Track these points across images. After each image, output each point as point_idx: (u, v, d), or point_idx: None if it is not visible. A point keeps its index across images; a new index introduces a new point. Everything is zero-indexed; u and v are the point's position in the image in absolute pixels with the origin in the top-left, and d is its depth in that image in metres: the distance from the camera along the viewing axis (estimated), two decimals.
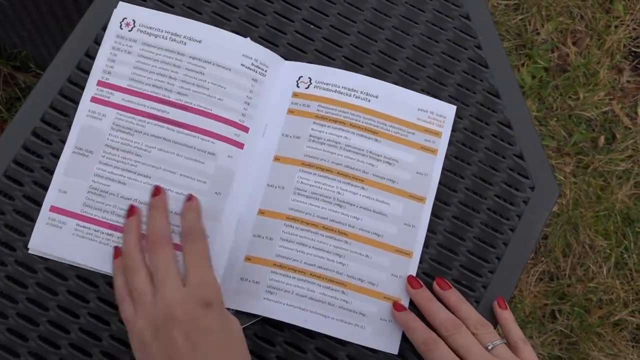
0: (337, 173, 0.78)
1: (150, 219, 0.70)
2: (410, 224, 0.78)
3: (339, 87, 0.81)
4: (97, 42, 0.79)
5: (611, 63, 1.97)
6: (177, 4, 0.82)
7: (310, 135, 0.79)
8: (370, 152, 0.79)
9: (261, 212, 0.77)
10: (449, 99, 0.83)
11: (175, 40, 0.79)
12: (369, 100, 0.80)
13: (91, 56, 0.79)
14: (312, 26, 0.84)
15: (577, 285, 1.77)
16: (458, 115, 0.82)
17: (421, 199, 0.78)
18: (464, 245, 0.79)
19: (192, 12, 0.82)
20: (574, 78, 1.93)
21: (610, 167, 1.87)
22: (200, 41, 0.79)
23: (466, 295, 0.77)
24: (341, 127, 0.79)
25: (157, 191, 0.71)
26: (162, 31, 0.80)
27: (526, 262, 0.80)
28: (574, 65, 1.94)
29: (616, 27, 1.99)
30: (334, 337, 0.75)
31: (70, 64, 0.79)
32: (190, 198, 0.71)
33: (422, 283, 0.75)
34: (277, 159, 0.78)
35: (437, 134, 0.81)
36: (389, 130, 0.80)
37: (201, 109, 0.77)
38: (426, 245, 0.78)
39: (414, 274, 0.77)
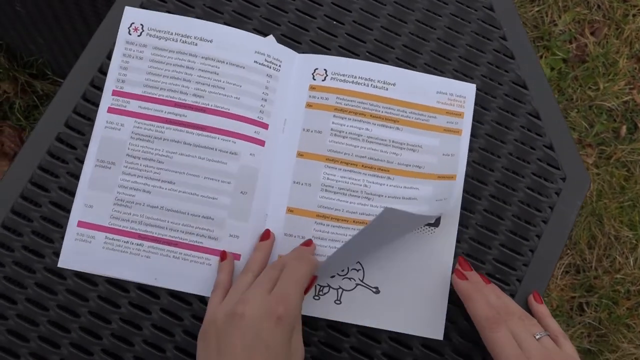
0: (362, 166, 0.77)
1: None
2: (442, 198, 0.76)
3: (355, 77, 0.80)
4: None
5: (630, 52, 1.95)
6: (197, 4, 0.81)
7: (332, 129, 0.78)
8: (393, 141, 0.78)
9: (290, 210, 0.76)
10: (476, 92, 0.81)
11: (186, 42, 0.79)
12: (387, 89, 0.80)
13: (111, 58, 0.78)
14: (334, 22, 0.83)
15: (603, 277, 1.75)
16: (485, 107, 0.81)
17: (451, 177, 0.77)
18: (496, 238, 0.78)
19: (213, 12, 0.81)
20: (593, 68, 1.91)
21: (633, 156, 1.85)
22: (211, 41, 0.79)
23: (501, 289, 0.75)
24: (361, 119, 0.78)
25: (266, 235, 0.75)
26: (172, 33, 0.79)
27: (560, 254, 0.78)
28: (593, 55, 1.92)
29: (634, 15, 1.97)
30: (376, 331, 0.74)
31: (92, 68, 0.78)
32: (308, 243, 0.74)
33: (468, 275, 0.74)
34: (300, 154, 0.77)
35: (459, 115, 0.80)
36: (410, 117, 0.79)
37: (219, 109, 0.77)
38: (459, 239, 0.77)
39: (452, 254, 0.76)
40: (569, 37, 1.93)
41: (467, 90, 0.81)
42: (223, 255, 0.73)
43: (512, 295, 0.76)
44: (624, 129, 1.88)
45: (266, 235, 0.74)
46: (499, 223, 0.78)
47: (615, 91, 1.90)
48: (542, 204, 0.79)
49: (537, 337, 0.70)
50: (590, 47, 1.93)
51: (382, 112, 0.79)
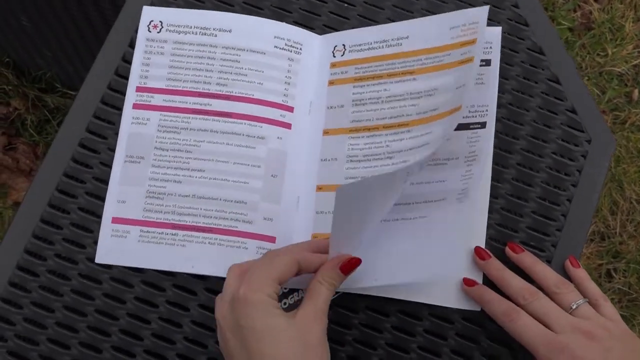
0: (383, 127, 0.76)
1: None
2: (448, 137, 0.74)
3: (371, 43, 0.80)
4: (132, 45, 0.79)
5: (636, 15, 1.94)
6: None
7: (353, 100, 0.78)
8: (410, 93, 0.77)
9: (319, 188, 0.76)
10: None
11: (205, 34, 0.79)
12: (401, 44, 0.79)
13: (128, 61, 0.78)
14: (345, 5, 0.82)
15: (629, 242, 1.75)
16: (504, 77, 0.81)
17: (457, 109, 0.73)
18: (527, 206, 0.77)
19: (224, 4, 0.81)
20: (599, 35, 1.90)
21: None
22: (230, 30, 0.79)
23: (536, 257, 0.75)
24: (379, 81, 0.78)
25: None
26: (191, 27, 0.79)
27: (592, 216, 0.78)
28: (598, 22, 1.91)
29: None
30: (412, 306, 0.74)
31: (109, 71, 0.78)
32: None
33: (490, 253, 0.74)
34: (326, 132, 0.77)
35: (472, 42, 0.76)
36: (425, 64, 0.78)
37: (243, 95, 0.77)
38: (490, 210, 0.76)
39: (484, 225, 0.76)
40: (573, 6, 1.92)
41: (480, 15, 0.77)
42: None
43: (549, 261, 0.76)
44: (636, 93, 1.87)
45: None
46: (528, 190, 0.78)
47: (624, 56, 1.89)
48: (570, 168, 0.79)
49: (573, 306, 0.69)
50: (595, 14, 1.92)
51: (398, 68, 0.78)
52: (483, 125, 0.75)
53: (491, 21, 0.83)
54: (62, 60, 1.45)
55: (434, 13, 0.83)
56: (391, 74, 0.78)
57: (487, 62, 0.79)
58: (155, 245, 0.74)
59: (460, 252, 0.75)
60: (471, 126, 0.75)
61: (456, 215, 0.73)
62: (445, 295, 0.74)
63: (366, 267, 0.69)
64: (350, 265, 0.65)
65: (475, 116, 0.75)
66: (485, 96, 0.76)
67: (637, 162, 1.80)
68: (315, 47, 0.81)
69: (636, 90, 1.87)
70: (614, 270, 1.73)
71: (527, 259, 0.74)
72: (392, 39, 0.79)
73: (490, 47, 0.79)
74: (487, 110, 0.76)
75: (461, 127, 0.75)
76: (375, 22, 0.82)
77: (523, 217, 0.77)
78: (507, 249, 0.75)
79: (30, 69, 1.60)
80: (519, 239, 0.76)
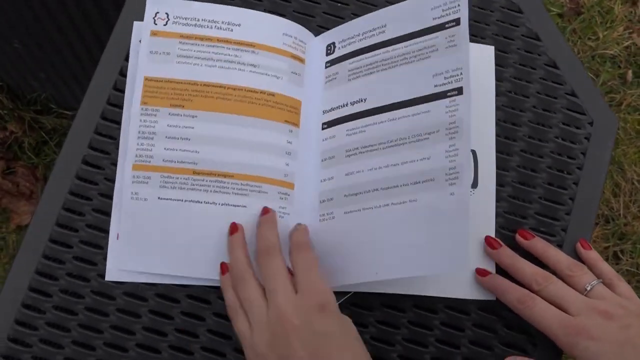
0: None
1: (259, 233, 0.70)
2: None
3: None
4: (129, 59, 0.78)
5: None
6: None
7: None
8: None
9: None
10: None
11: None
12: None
13: (125, 75, 0.78)
14: (339, 4, 0.83)
15: (633, 222, 1.75)
16: (501, 65, 0.81)
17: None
18: (534, 192, 0.77)
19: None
20: (589, 19, 1.91)
21: None
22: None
23: (547, 242, 0.75)
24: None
25: (266, 210, 0.72)
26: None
27: (600, 197, 0.78)
28: (587, 6, 1.91)
29: None
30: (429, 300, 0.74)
31: (107, 86, 0.78)
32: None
33: (500, 242, 0.74)
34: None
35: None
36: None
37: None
38: (497, 199, 0.76)
39: (493, 214, 0.76)
40: None
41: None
42: (233, 228, 0.72)
43: (560, 246, 0.76)
44: (630, 74, 1.87)
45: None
46: (534, 177, 0.78)
47: (615, 38, 1.89)
48: (574, 151, 0.79)
49: (587, 288, 0.70)
50: None
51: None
52: (460, 91, 0.70)
53: (484, 10, 0.83)
54: (56, 81, 1.45)
55: None
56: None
57: (456, 22, 0.73)
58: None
59: (471, 242, 0.75)
60: (448, 94, 0.71)
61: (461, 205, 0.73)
62: (459, 286, 0.74)
63: (365, 260, 0.70)
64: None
65: (451, 82, 0.71)
66: (458, 59, 0.72)
67: (635, 142, 1.80)
68: (313, 47, 0.81)
69: (630, 72, 1.87)
70: (621, 252, 1.73)
71: (539, 244, 0.74)
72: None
73: (458, 5, 0.73)
74: (461, 74, 0.71)
75: (438, 96, 0.72)
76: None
77: (531, 203, 0.77)
78: (518, 236, 0.75)
79: (25, 92, 1.60)
80: (529, 225, 0.76)
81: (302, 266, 0.66)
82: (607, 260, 1.72)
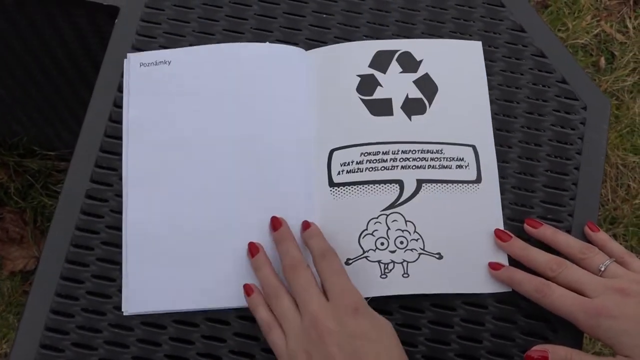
0: None
1: (282, 250, 0.71)
2: None
3: None
4: (122, 90, 0.78)
5: None
6: (187, 32, 0.81)
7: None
8: None
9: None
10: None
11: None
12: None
13: (119, 105, 0.78)
14: (324, 15, 0.83)
15: (623, 206, 1.77)
16: (491, 59, 0.82)
17: None
18: (537, 180, 0.78)
19: (205, 35, 0.82)
20: (557, 11, 1.93)
21: (618, 84, 1.87)
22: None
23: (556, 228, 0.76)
24: None
25: (277, 224, 0.73)
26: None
27: (602, 179, 0.79)
28: None
29: None
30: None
31: (102, 119, 0.78)
32: (308, 225, 0.73)
33: (510, 234, 0.74)
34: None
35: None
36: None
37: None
38: (502, 191, 0.77)
39: (499, 206, 0.76)
40: None
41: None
42: (253, 249, 0.73)
43: (568, 231, 0.77)
44: (602, 61, 1.90)
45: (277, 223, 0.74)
46: (535, 165, 0.79)
47: (584, 27, 1.92)
48: (571, 137, 0.80)
49: (601, 268, 0.70)
50: None
51: None
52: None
53: (467, 7, 0.84)
54: (40, 123, 1.43)
55: (411, 10, 0.84)
56: None
57: None
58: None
59: (481, 236, 0.75)
60: None
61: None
62: (475, 281, 0.74)
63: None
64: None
65: None
66: None
67: (616, 127, 1.82)
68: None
69: (602, 59, 1.90)
70: (614, 237, 1.74)
71: (548, 231, 0.74)
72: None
73: None
74: None
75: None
76: (356, 27, 0.83)
77: (535, 192, 0.78)
78: (526, 226, 0.75)
79: (6, 137, 1.59)
80: (536, 214, 0.77)
81: (330, 272, 0.68)
82: None
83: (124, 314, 0.72)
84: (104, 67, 0.80)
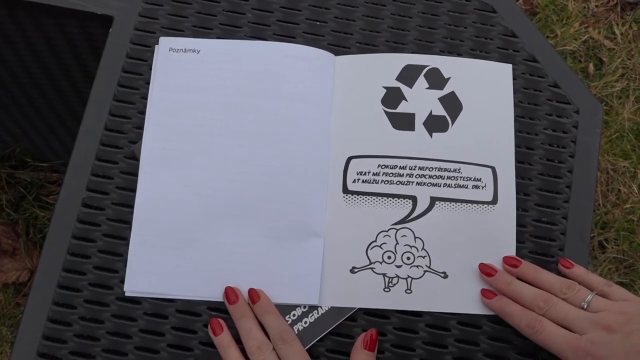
0: None
1: (244, 328, 0.72)
2: None
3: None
4: (116, 99, 0.79)
5: None
6: (214, 24, 0.83)
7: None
8: None
9: None
10: (470, 53, 0.83)
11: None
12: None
13: (115, 114, 0.78)
14: (317, 23, 0.84)
15: (613, 211, 1.78)
16: None
17: None
18: (531, 184, 0.79)
19: (202, 29, 0.83)
20: (545, 18, 1.94)
21: (607, 90, 1.89)
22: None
23: (551, 238, 0.77)
24: None
25: (234, 297, 0.73)
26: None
27: (596, 181, 0.80)
28: (542, 5, 1.95)
29: None
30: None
31: (98, 128, 0.78)
32: (258, 296, 0.73)
33: (495, 267, 0.75)
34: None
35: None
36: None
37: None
38: None
39: (514, 229, 0.77)
40: None
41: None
42: (231, 296, 0.74)
43: (562, 234, 0.77)
44: (591, 67, 1.91)
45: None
46: (529, 169, 0.79)
47: (573, 34, 1.93)
48: (564, 140, 0.81)
49: (584, 306, 0.70)
50: None
51: None
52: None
53: (459, 13, 0.85)
54: (32, 135, 1.43)
55: (402, 16, 0.84)
56: None
57: None
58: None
59: (492, 257, 0.77)
60: None
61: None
62: (468, 302, 0.75)
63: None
64: (372, 342, 0.71)
65: None
66: None
67: (605, 132, 1.84)
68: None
69: (591, 64, 1.91)
70: (605, 241, 1.75)
71: (528, 270, 0.74)
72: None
73: None
74: None
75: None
76: (350, 34, 0.83)
77: (529, 195, 0.78)
78: (505, 265, 0.75)
79: None
80: (530, 217, 0.78)
81: (292, 355, 0.70)
82: (593, 250, 1.74)
83: (126, 293, 0.73)
84: (100, 73, 0.80)
